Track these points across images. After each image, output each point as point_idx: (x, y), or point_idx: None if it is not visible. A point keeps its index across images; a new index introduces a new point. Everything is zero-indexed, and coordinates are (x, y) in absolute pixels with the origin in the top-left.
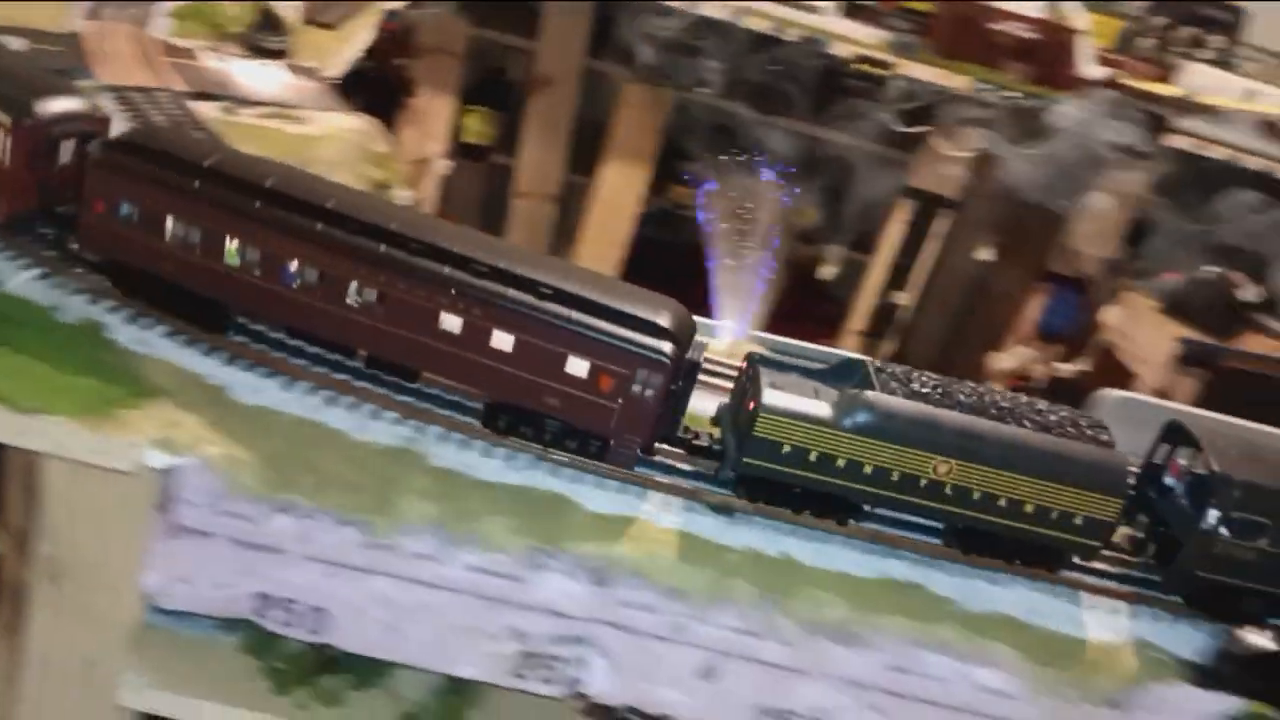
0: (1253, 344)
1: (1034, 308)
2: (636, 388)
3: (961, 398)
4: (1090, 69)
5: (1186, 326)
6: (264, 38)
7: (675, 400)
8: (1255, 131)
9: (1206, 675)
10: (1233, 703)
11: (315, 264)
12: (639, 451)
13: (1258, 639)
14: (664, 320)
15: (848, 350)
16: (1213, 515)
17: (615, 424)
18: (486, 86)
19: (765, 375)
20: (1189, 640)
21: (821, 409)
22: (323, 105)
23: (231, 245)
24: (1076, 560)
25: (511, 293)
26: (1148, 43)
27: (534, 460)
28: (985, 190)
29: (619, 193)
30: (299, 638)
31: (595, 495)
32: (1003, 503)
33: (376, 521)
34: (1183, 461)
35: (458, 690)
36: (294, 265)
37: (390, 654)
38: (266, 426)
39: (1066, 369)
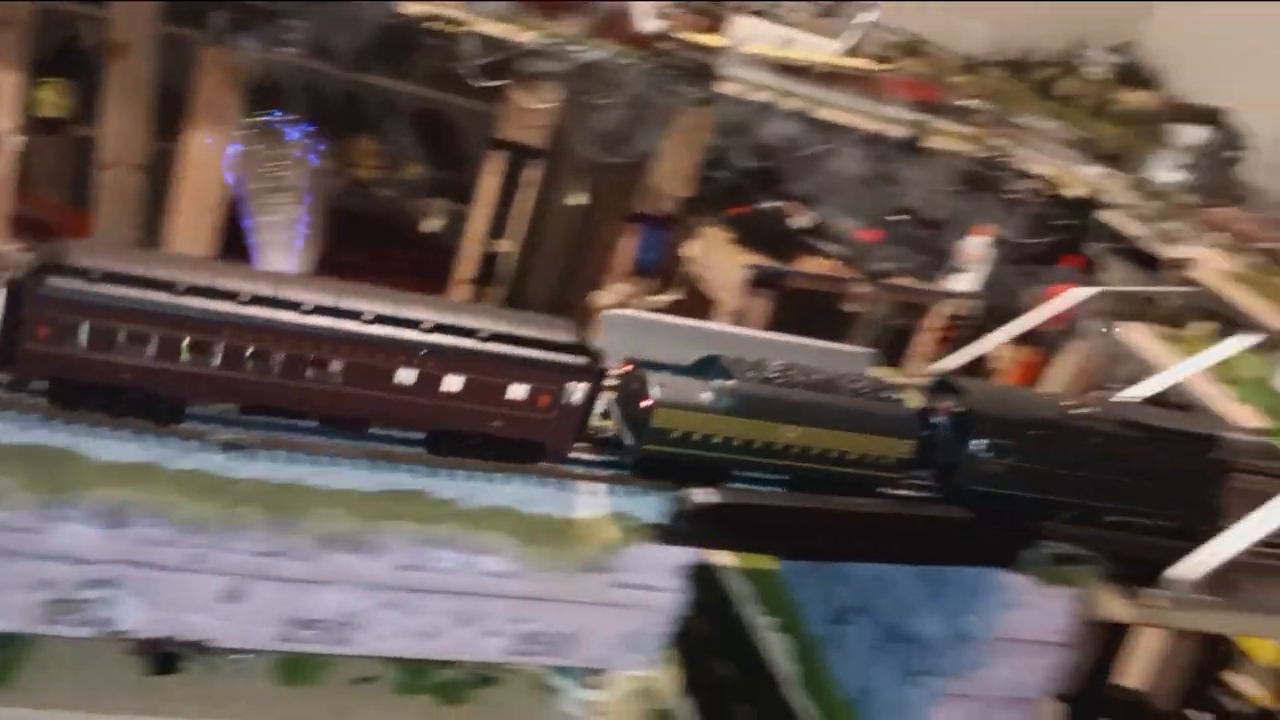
0: (809, 265)
1: (627, 246)
2: (566, 398)
3: (797, 377)
4: (646, 22)
5: (754, 254)
6: None
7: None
8: (792, 75)
9: (666, 533)
10: (688, 552)
11: (279, 349)
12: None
13: (701, 497)
14: (575, 337)
15: (457, 296)
16: (974, 442)
17: (551, 431)
18: (60, 57)
19: (651, 377)
20: (656, 507)
21: (701, 399)
22: None
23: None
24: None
25: (458, 341)
26: None
27: (42, 419)
28: (569, 140)
29: (205, 159)
30: None
31: (108, 446)
32: (834, 454)
33: None
34: (947, 404)
35: (4, 644)
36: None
37: None
38: None
39: (660, 300)
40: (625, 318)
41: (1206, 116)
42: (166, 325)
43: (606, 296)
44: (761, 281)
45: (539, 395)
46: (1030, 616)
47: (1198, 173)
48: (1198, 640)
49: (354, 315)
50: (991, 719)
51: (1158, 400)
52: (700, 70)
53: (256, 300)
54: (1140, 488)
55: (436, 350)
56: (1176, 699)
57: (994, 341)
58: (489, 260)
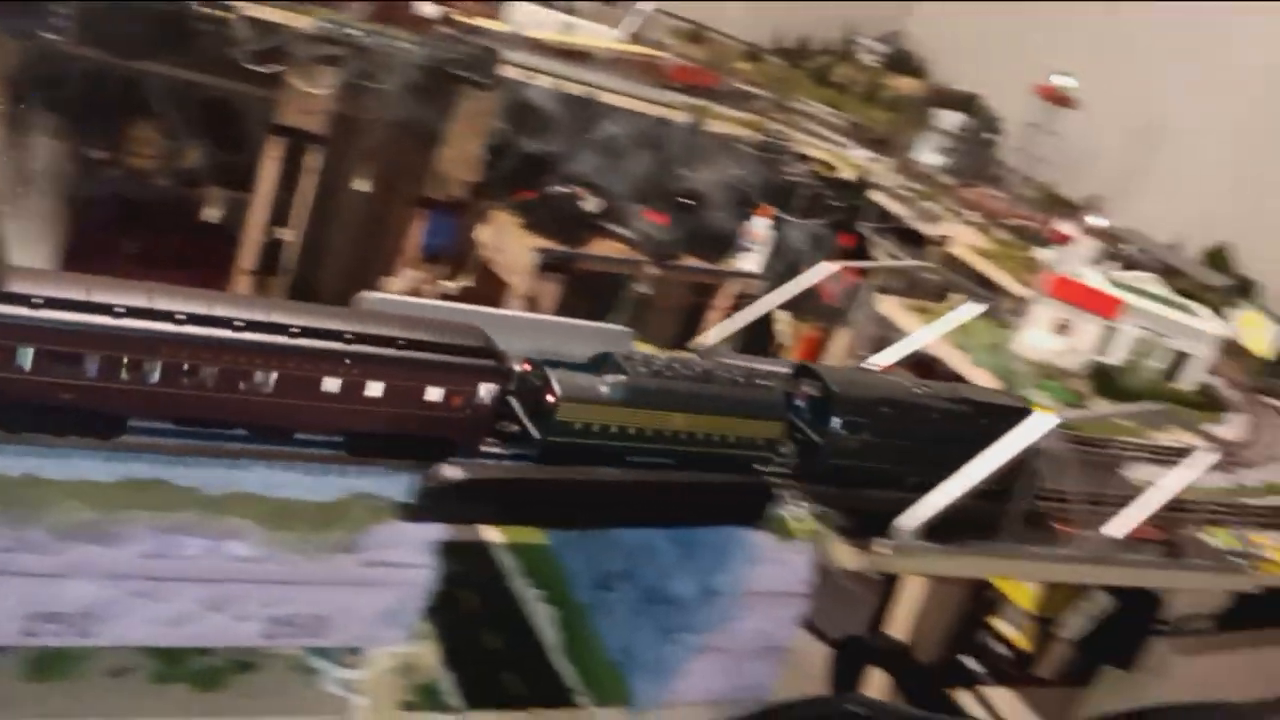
0: (599, 248)
1: (416, 233)
2: (478, 398)
3: (682, 370)
4: (425, 7)
5: (544, 238)
6: None
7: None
8: (575, 60)
9: (415, 510)
10: (444, 528)
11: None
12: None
13: (447, 473)
14: (483, 341)
15: (241, 289)
16: (834, 420)
17: (463, 430)
18: None
19: (552, 374)
20: (404, 486)
21: (600, 392)
22: None
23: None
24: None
25: (379, 350)
26: None
27: None
28: (352, 125)
29: None
30: None
31: None
32: (716, 438)
33: None
34: (806, 388)
35: None
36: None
37: None
38: None
39: (451, 286)
40: (380, 301)
41: (964, 102)
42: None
43: (397, 283)
44: (551, 265)
45: (453, 397)
46: (774, 571)
47: (956, 155)
48: (964, 589)
49: (282, 329)
50: (744, 669)
51: (908, 366)
52: (482, 55)
53: (193, 319)
54: (969, 456)
55: (361, 359)
56: (945, 645)
57: (755, 313)
58: (271, 249)
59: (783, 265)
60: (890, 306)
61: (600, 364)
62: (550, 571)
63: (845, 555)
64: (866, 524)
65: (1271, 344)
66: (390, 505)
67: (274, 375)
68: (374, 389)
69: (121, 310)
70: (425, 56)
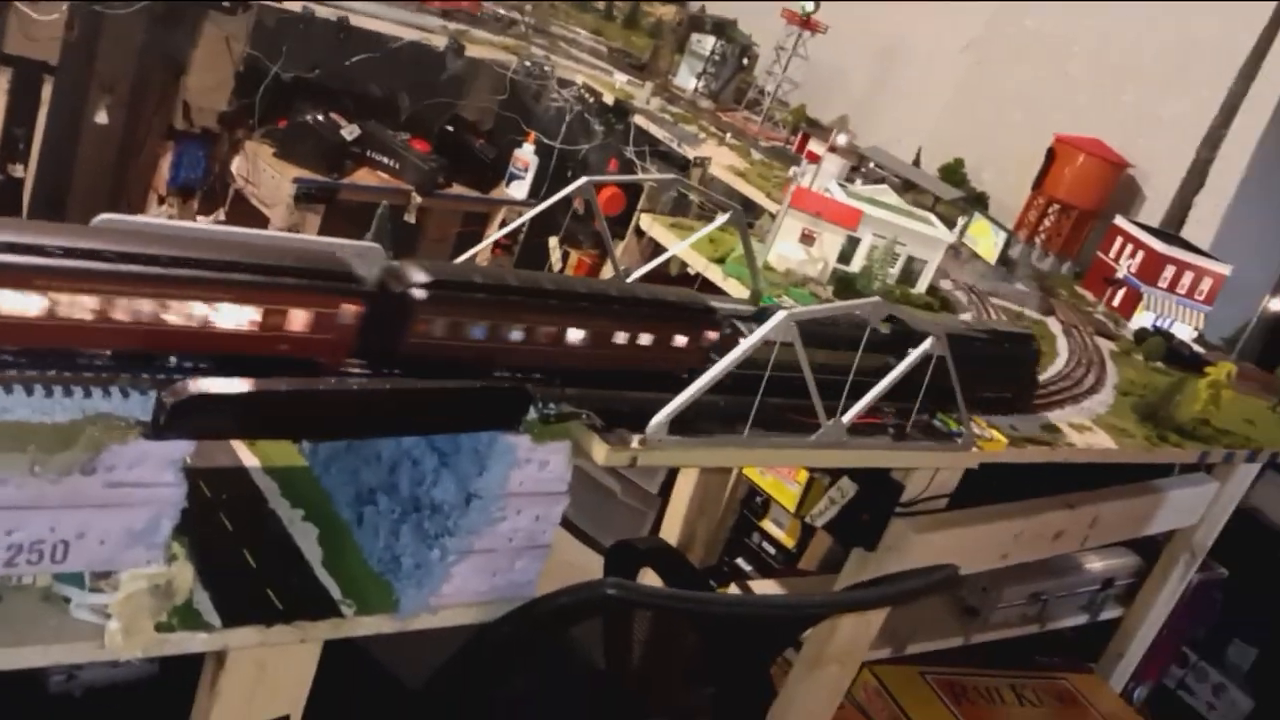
0: (361, 177)
1: (163, 166)
2: (341, 320)
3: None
4: None
5: (302, 167)
6: None
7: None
8: None
9: (154, 428)
10: (184, 446)
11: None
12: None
13: (185, 389)
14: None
15: None
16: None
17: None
18: None
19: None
20: (144, 406)
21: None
22: None
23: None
24: None
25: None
26: None
27: None
28: (87, 53)
29: None
30: None
31: None
32: None
33: None
34: None
35: None
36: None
37: None
38: None
39: (204, 220)
40: (115, 222)
41: (720, 28)
42: None
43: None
44: (310, 196)
45: (317, 320)
46: (532, 472)
47: (715, 79)
48: (732, 494)
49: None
50: (507, 569)
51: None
52: None
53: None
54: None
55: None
56: (718, 549)
57: (509, 229)
58: (7, 186)
59: (551, 191)
60: (652, 224)
61: None
62: (310, 491)
63: (599, 451)
64: (620, 422)
65: (996, 249)
66: (129, 424)
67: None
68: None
69: None
70: None
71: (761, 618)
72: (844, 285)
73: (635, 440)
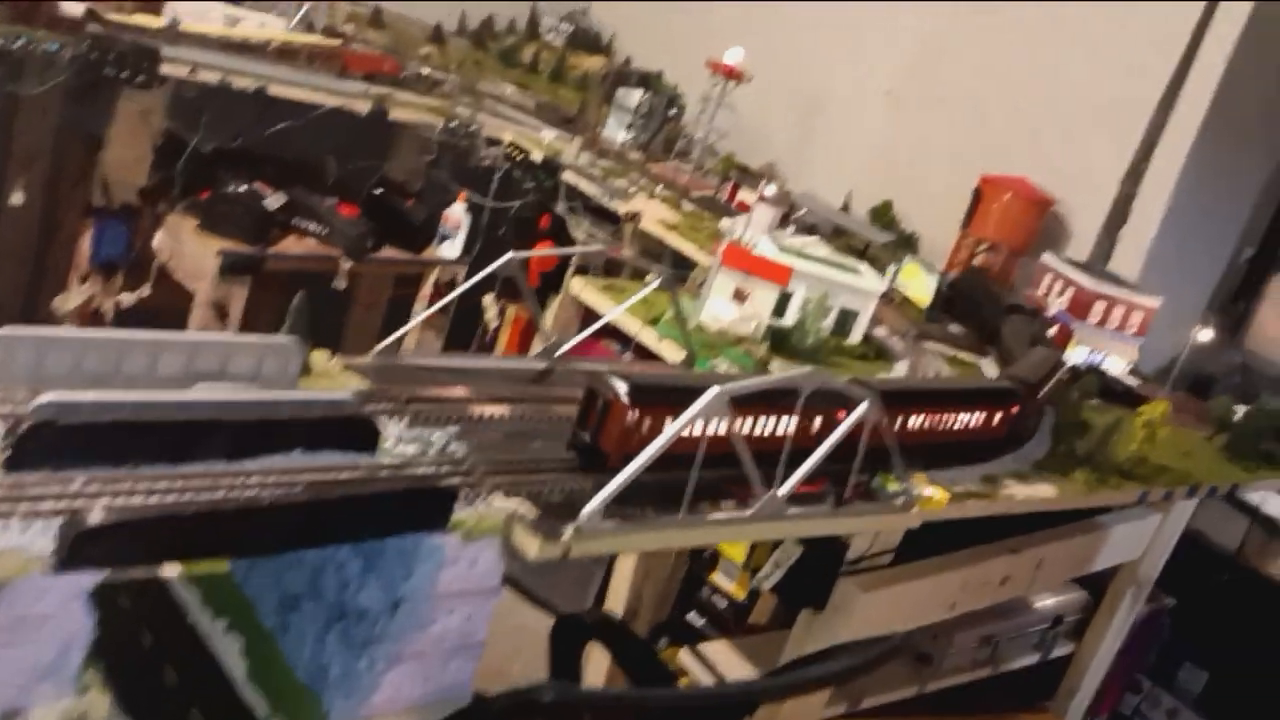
0: (288, 246)
1: (84, 244)
2: None
3: None
4: (70, 6)
5: (226, 239)
6: None
7: None
8: (241, 53)
9: (57, 559)
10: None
11: None
12: None
13: (87, 517)
14: None
15: None
16: None
17: None
18: None
19: None
20: (49, 535)
21: None
22: None
23: None
24: None
25: None
26: None
27: None
28: (2, 133)
29: None
30: None
31: None
32: None
33: None
34: None
35: None
36: None
37: None
38: None
39: (128, 298)
40: (14, 337)
41: (646, 80)
42: None
43: (72, 299)
44: (236, 267)
45: None
46: (462, 570)
47: (643, 131)
48: (682, 548)
49: None
50: (439, 673)
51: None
52: (138, 52)
53: None
54: None
55: None
56: (669, 605)
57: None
58: None
59: (484, 249)
60: (584, 289)
61: None
62: (232, 598)
63: (530, 545)
64: (553, 511)
65: (929, 292)
66: (30, 557)
67: None
68: None
69: None
70: (75, 58)
71: (702, 710)
72: (779, 340)
73: (568, 530)
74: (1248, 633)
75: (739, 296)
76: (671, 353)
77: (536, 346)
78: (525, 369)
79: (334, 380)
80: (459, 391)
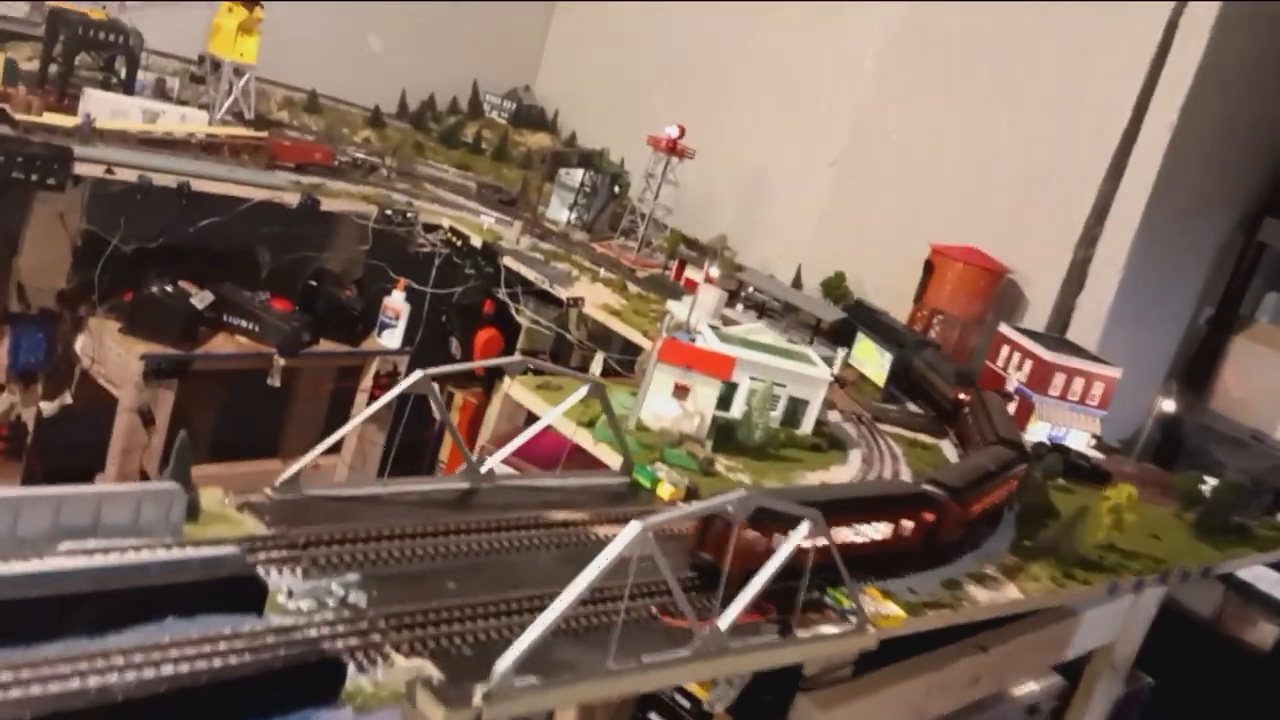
0: (218, 344)
1: (1, 349)
2: None
3: None
4: None
5: (151, 341)
6: None
7: None
8: (162, 149)
9: None
10: None
11: None
12: None
13: None
14: None
15: None
16: None
17: None
18: None
19: None
20: None
21: None
22: None
23: None
24: None
25: None
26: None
27: None
28: None
29: None
30: None
31: None
32: None
33: None
34: None
35: None
36: None
37: None
38: None
39: (50, 406)
40: None
41: (588, 158)
42: None
43: None
44: (161, 371)
45: None
46: None
47: (587, 209)
48: None
49: None
50: None
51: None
52: (51, 155)
53: None
54: None
55: None
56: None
57: (345, 430)
58: None
59: (426, 337)
60: (519, 390)
61: None
62: None
63: (435, 714)
64: (463, 671)
65: (885, 370)
66: None
67: None
68: None
69: None
70: None
71: None
72: (724, 436)
73: (478, 693)
74: (1230, 706)
75: (680, 392)
76: (610, 455)
77: (484, 434)
78: (448, 491)
79: (226, 523)
80: (365, 529)
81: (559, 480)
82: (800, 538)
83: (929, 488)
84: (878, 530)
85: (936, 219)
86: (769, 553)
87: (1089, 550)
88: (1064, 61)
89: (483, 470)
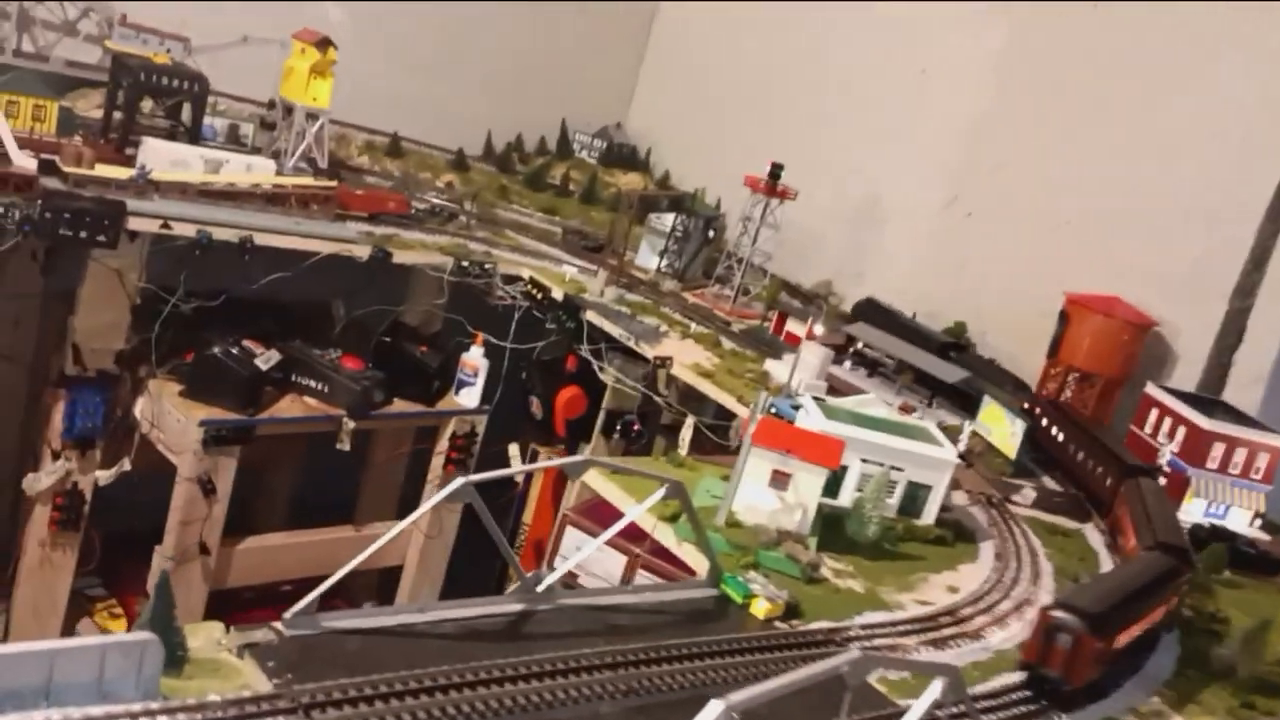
0: (284, 407)
1: (57, 415)
2: None
3: None
4: (24, 161)
5: (212, 405)
6: None
7: None
8: (223, 201)
9: None
10: None
11: None
12: None
13: None
14: None
15: None
16: None
17: None
18: None
19: None
20: None
21: None
22: None
23: None
24: None
25: None
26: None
27: None
28: None
29: None
30: None
31: None
32: None
33: None
34: None
35: None
36: None
37: None
38: None
39: (107, 474)
40: None
41: (678, 203)
42: None
43: (44, 478)
44: (222, 438)
45: None
46: None
47: (680, 255)
48: None
49: None
50: None
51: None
52: (102, 209)
53: None
54: None
55: None
56: None
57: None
58: None
59: (505, 395)
60: (595, 478)
61: None
62: None
63: None
64: None
65: (1015, 440)
66: None
67: None
68: None
69: None
70: (25, 219)
71: None
72: (830, 528)
73: None
74: None
75: (779, 480)
76: (695, 558)
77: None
78: (497, 617)
79: (217, 676)
80: (386, 682)
81: (631, 596)
82: (931, 700)
83: (1059, 614)
84: None
85: (1069, 263)
86: None
87: (1273, 670)
88: (1218, 84)
89: (539, 589)
